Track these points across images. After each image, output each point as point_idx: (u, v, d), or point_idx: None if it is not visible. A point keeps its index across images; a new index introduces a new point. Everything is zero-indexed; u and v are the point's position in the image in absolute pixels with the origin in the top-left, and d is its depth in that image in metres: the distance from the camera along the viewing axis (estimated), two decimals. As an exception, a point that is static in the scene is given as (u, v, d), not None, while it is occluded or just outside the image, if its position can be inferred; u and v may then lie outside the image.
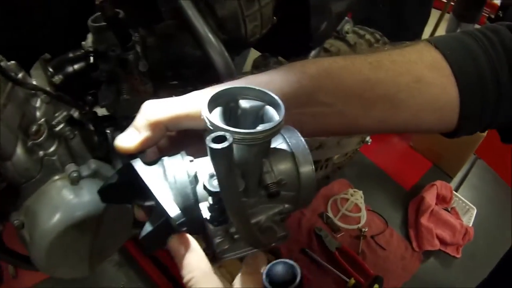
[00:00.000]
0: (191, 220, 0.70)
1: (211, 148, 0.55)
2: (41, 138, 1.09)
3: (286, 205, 0.74)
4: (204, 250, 0.73)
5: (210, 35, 1.15)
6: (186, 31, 1.21)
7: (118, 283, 2.03)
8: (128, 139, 0.76)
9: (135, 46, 1.17)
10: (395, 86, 0.84)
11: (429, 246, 2.66)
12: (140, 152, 0.78)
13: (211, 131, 0.61)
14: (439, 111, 0.90)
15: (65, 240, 1.11)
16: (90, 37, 1.18)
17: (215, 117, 0.66)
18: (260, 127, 0.63)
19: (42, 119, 1.11)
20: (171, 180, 0.71)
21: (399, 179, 3.06)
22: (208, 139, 0.56)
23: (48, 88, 1.12)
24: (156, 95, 1.27)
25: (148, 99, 1.19)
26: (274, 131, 0.64)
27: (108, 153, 1.20)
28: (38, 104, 1.12)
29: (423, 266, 2.63)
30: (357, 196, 2.70)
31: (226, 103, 0.70)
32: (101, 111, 1.25)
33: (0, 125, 1.02)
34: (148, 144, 0.77)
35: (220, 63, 1.17)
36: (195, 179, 0.71)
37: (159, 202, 0.68)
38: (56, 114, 1.14)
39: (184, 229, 0.70)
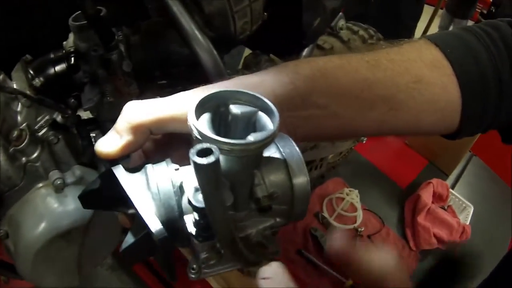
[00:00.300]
0: (174, 233, 0.65)
1: (195, 163, 0.51)
2: (23, 144, 1.05)
3: (278, 219, 0.70)
4: (190, 262, 0.69)
5: (196, 33, 1.11)
6: (172, 28, 1.17)
7: (111, 286, 2.00)
8: (108, 144, 0.71)
9: (119, 46, 1.13)
10: (394, 86, 0.80)
11: (426, 245, 2.63)
12: (124, 157, 0.73)
13: (198, 140, 0.57)
14: (440, 112, 0.86)
15: (51, 250, 1.07)
16: (71, 37, 1.14)
17: (203, 124, 0.61)
18: (251, 137, 0.58)
19: (24, 124, 1.08)
20: (154, 190, 0.66)
21: (395, 177, 3.03)
22: (192, 152, 0.52)
23: (28, 91, 1.08)
24: (143, 96, 1.23)
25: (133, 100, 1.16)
26: (267, 142, 0.59)
27: (93, 158, 1.16)
28: (19, 108, 1.08)
29: (420, 265, 2.60)
30: (353, 196, 2.68)
31: (215, 107, 0.65)
32: (85, 114, 1.21)
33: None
34: (130, 149, 0.72)
35: (208, 61, 1.12)
36: (180, 190, 0.66)
37: (140, 215, 0.62)
38: (38, 119, 1.10)
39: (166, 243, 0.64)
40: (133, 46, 1.17)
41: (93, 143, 1.18)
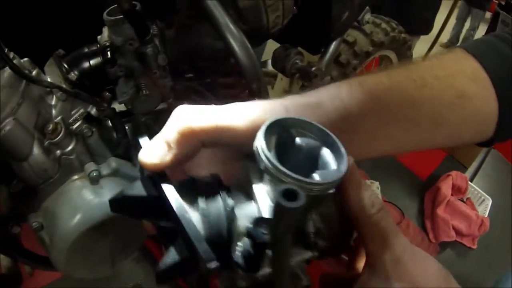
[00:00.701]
0: (219, 258, 0.58)
1: (280, 205, 0.48)
2: (58, 137, 1.06)
3: (316, 253, 0.66)
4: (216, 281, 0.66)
5: (231, 26, 1.11)
6: (206, 22, 1.17)
7: (136, 278, 2.02)
8: (156, 155, 0.65)
9: (154, 39, 1.14)
10: (439, 103, 0.80)
11: (445, 237, 2.64)
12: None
13: (268, 172, 0.56)
14: (480, 124, 0.87)
15: (86, 241, 1.08)
16: (105, 31, 1.14)
17: (272, 155, 0.58)
18: (317, 175, 0.58)
19: (59, 117, 1.08)
20: (204, 211, 0.61)
21: (415, 169, 3.04)
22: (278, 192, 0.49)
23: (63, 85, 1.09)
24: (173, 89, 1.23)
25: (167, 94, 1.16)
26: (337, 183, 0.57)
27: (128, 150, 1.17)
28: (53, 102, 1.09)
29: (439, 257, 2.61)
30: (374, 187, 2.68)
31: (279, 133, 0.62)
32: (118, 107, 1.22)
33: (15, 125, 0.99)
34: (180, 162, 0.66)
35: (242, 54, 1.12)
36: (231, 214, 0.61)
37: (191, 241, 0.57)
38: (73, 112, 1.11)
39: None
40: (168, 40, 1.18)
41: (128, 135, 1.19)
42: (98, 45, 1.14)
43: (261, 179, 0.64)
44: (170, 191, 0.61)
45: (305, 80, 1.70)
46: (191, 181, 0.65)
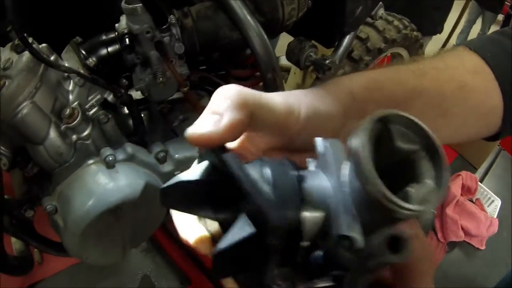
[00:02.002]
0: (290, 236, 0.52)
1: (383, 258, 0.44)
2: (75, 122, 1.08)
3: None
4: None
5: (248, 17, 1.11)
6: (223, 12, 1.18)
7: (145, 269, 2.02)
8: (208, 125, 0.57)
9: (171, 28, 1.15)
10: (441, 95, 0.80)
11: (454, 237, 2.63)
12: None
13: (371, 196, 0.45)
14: (484, 117, 0.87)
15: (100, 225, 1.09)
16: (123, 19, 1.15)
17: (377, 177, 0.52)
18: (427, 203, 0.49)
19: (75, 103, 1.10)
20: (272, 183, 0.54)
21: (425, 168, 3.03)
22: (382, 239, 0.45)
23: (81, 69, 1.10)
24: (189, 78, 1.24)
25: (183, 83, 1.17)
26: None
27: (144, 136, 1.18)
28: (71, 87, 1.10)
29: (447, 257, 2.61)
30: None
31: (376, 129, 0.53)
32: (134, 96, 1.23)
33: (33, 108, 1.00)
34: (238, 129, 0.58)
35: (258, 44, 1.13)
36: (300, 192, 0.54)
37: (255, 203, 0.50)
38: (90, 98, 1.13)
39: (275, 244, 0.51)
40: (185, 29, 1.18)
41: (144, 122, 1.20)
42: (116, 33, 1.15)
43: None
44: (233, 160, 0.54)
45: (318, 72, 1.70)
46: (259, 160, 0.57)
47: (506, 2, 6.71)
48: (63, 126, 1.08)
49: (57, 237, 1.19)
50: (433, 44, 3.36)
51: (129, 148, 1.14)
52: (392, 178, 0.49)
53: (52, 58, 1.07)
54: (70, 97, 1.10)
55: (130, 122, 1.20)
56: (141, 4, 1.09)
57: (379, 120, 0.51)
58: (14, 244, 1.24)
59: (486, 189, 2.93)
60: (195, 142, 0.56)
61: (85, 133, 1.11)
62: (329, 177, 0.55)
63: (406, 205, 0.45)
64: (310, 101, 0.67)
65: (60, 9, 1.19)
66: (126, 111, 1.21)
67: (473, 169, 3.18)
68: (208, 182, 0.56)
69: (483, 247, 2.73)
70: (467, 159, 3.25)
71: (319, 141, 0.58)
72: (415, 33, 2.42)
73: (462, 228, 2.66)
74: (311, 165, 0.59)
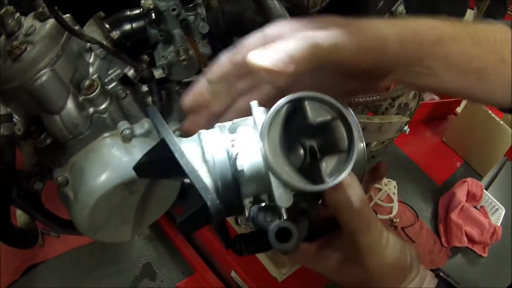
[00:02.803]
0: (229, 205, 0.66)
1: (272, 243, 0.60)
2: (94, 94, 1.07)
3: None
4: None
5: (275, 1, 1.11)
6: (248, -4, 1.17)
7: (147, 256, 2.02)
8: (278, 60, 0.64)
9: (197, 8, 1.14)
10: (486, 62, 0.85)
11: (457, 242, 2.63)
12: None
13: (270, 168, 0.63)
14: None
15: (113, 199, 1.09)
16: (149, -4, 1.15)
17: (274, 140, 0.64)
18: (337, 174, 0.62)
19: (95, 75, 1.09)
20: (210, 163, 0.66)
21: (431, 173, 3.03)
22: (271, 230, 0.59)
23: (104, 42, 1.10)
24: (211, 59, 1.24)
25: (205, 63, 1.17)
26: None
27: (162, 114, 1.18)
28: (91, 59, 1.10)
29: (449, 262, 2.60)
30: (391, 186, 2.68)
31: (291, 107, 0.65)
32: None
33: (52, 76, 1.00)
34: (293, 79, 0.66)
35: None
36: (235, 162, 0.65)
37: (196, 188, 0.63)
38: (110, 72, 1.12)
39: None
40: (212, 9, 1.18)
41: (163, 99, 1.20)
42: (141, 9, 1.14)
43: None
44: (174, 144, 0.67)
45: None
46: (198, 134, 0.72)
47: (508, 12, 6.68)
48: (81, 97, 1.07)
49: (62, 212, 1.19)
50: None
51: (147, 123, 1.14)
52: (319, 148, 0.65)
53: (76, 28, 1.07)
54: (90, 69, 1.10)
55: (148, 100, 1.20)
56: (168, -19, 1.09)
57: (291, 101, 0.63)
58: (19, 217, 1.23)
59: (491, 197, 2.94)
60: (257, 67, 0.63)
61: (103, 106, 1.10)
62: (261, 143, 0.63)
63: (316, 187, 0.62)
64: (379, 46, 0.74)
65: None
66: (144, 89, 1.20)
67: (479, 177, 3.17)
68: (166, 158, 0.67)
69: (485, 254, 2.72)
70: (473, 167, 3.24)
71: (253, 105, 0.70)
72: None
73: (466, 234, 2.66)
74: (250, 123, 0.71)
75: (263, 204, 0.66)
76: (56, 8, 0.99)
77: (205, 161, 0.67)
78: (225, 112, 0.83)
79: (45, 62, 0.99)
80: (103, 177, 1.05)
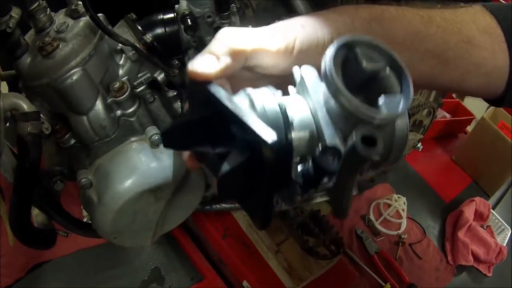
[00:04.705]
0: (282, 160, 0.60)
1: (357, 152, 0.52)
2: (123, 96, 1.06)
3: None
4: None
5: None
6: (283, 7, 1.18)
7: (157, 261, 2.00)
8: (206, 65, 0.69)
9: (231, 16, 1.14)
10: (445, 43, 0.83)
11: (463, 261, 2.62)
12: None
13: (338, 99, 0.58)
14: (486, 76, 0.89)
15: (138, 205, 1.08)
16: (183, 2, 1.14)
17: (341, 81, 0.59)
18: (382, 101, 0.59)
19: (125, 78, 1.08)
20: (260, 111, 0.63)
21: (440, 191, 3.03)
22: (357, 135, 0.53)
23: (137, 44, 1.09)
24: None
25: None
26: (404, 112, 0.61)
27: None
28: (122, 61, 1.09)
29: (455, 280, 2.60)
30: (400, 202, 2.68)
31: (344, 53, 0.63)
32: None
33: (84, 75, 0.99)
34: (227, 73, 0.71)
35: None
36: (286, 115, 0.64)
37: (248, 128, 0.57)
38: (140, 75, 1.12)
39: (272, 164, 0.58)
40: (246, 19, 1.18)
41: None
42: (175, 14, 1.14)
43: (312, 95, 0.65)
44: (221, 92, 0.63)
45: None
46: (244, 91, 0.69)
47: None
48: (110, 99, 1.06)
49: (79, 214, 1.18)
50: None
51: (176, 129, 1.12)
52: (365, 96, 0.60)
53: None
54: (120, 71, 1.09)
55: (175, 105, 1.19)
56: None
57: (345, 45, 0.61)
58: (36, 217, 1.21)
59: (498, 217, 2.95)
60: (192, 77, 0.68)
61: (131, 109, 1.09)
62: (308, 100, 0.65)
63: (377, 113, 0.56)
64: (307, 33, 0.76)
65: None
66: (171, 94, 1.19)
67: (486, 197, 3.17)
68: (202, 120, 0.65)
69: (490, 274, 2.73)
70: (481, 186, 3.24)
71: (295, 70, 0.70)
72: (439, 5, 2.41)
73: (472, 253, 2.66)
74: (292, 92, 0.70)
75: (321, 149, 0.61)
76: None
77: (254, 110, 0.64)
78: None
79: (77, 61, 0.98)
80: (129, 182, 1.04)
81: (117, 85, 1.05)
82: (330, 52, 0.61)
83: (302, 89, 0.68)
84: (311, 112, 0.64)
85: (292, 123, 0.63)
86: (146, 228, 1.17)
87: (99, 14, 1.05)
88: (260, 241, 1.75)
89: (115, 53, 1.08)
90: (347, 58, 0.63)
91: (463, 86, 0.89)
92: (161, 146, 1.08)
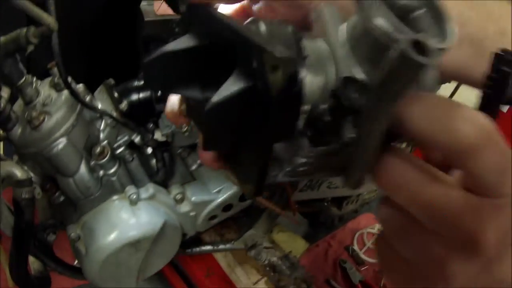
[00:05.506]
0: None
1: (407, 57, 0.38)
2: (104, 160, 1.18)
3: None
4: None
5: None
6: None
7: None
8: None
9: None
10: (483, 31, 0.75)
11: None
12: None
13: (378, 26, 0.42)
14: None
15: (120, 256, 1.20)
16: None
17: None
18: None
19: (105, 141, 1.20)
20: (268, 35, 0.46)
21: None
22: (406, 40, 0.39)
23: (114, 113, 1.21)
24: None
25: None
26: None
27: (166, 178, 1.28)
28: (102, 126, 1.21)
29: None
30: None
31: None
32: (156, 136, 1.33)
33: (68, 144, 1.10)
34: None
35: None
36: (299, 40, 0.47)
37: (252, 44, 0.42)
38: (118, 138, 1.23)
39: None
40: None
41: (166, 164, 1.30)
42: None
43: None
44: (223, 15, 0.50)
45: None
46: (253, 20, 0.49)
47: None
48: (93, 162, 1.18)
49: (71, 259, 1.30)
50: (443, 90, 3.35)
51: (151, 188, 1.24)
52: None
53: (87, 98, 1.18)
54: (101, 135, 1.21)
55: (153, 162, 1.30)
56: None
57: None
58: (33, 264, 1.33)
59: None
60: None
61: (112, 170, 1.21)
62: (327, 38, 0.50)
63: (429, 40, 0.41)
64: None
65: (100, 52, 1.29)
66: (149, 151, 1.30)
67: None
68: (195, 50, 0.51)
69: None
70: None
71: (315, 10, 0.53)
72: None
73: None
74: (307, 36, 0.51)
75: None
76: (70, 78, 1.10)
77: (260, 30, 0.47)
78: None
79: (61, 132, 1.10)
80: (112, 236, 1.16)
81: (98, 149, 1.17)
82: None
83: (321, 28, 0.51)
84: (329, 49, 0.49)
85: (305, 58, 0.47)
86: (129, 275, 1.27)
87: (79, 85, 1.17)
88: (239, 280, 1.81)
89: (96, 119, 1.20)
90: None
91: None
92: (139, 203, 1.20)
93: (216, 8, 0.54)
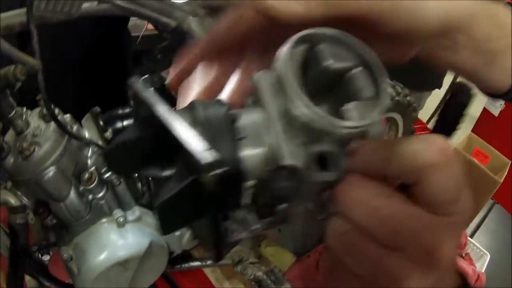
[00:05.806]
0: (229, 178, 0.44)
1: (310, 175, 0.42)
2: (92, 185, 1.25)
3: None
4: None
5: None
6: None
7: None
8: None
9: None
10: (498, 45, 0.76)
11: (441, 290, 2.70)
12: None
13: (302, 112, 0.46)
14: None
15: (109, 275, 1.27)
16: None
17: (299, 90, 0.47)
18: (353, 108, 0.47)
19: (93, 168, 1.28)
20: (202, 125, 0.49)
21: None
22: (310, 156, 0.43)
23: (100, 141, 1.29)
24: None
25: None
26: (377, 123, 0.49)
27: (151, 201, 1.35)
28: (89, 154, 1.28)
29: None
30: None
31: (306, 49, 0.52)
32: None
33: (57, 172, 1.17)
34: (318, 12, 0.54)
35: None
36: (234, 129, 0.50)
37: (183, 146, 0.44)
38: (105, 163, 1.29)
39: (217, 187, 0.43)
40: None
41: (151, 188, 1.37)
42: (130, 108, 1.34)
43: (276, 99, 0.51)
44: (153, 95, 0.51)
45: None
46: (192, 104, 0.52)
47: None
48: (82, 188, 1.25)
49: (64, 277, 1.37)
50: (433, 97, 3.36)
51: (137, 211, 1.32)
52: (335, 100, 0.51)
53: (75, 128, 1.26)
54: (89, 162, 1.28)
55: (139, 185, 1.38)
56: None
57: (305, 40, 0.51)
58: (29, 282, 1.40)
59: (476, 244, 3.02)
60: (280, 17, 0.54)
61: (100, 194, 1.28)
62: (264, 110, 0.51)
63: (339, 123, 0.45)
64: None
65: (88, 81, 1.35)
66: (135, 175, 1.38)
67: (464, 224, 3.24)
68: (146, 137, 0.52)
69: (468, 301, 2.79)
70: (460, 214, 3.31)
71: (254, 76, 0.53)
72: (408, 98, 2.48)
73: (450, 282, 2.73)
74: (249, 102, 0.55)
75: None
76: (57, 110, 1.18)
77: (196, 125, 0.49)
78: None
79: (51, 161, 1.16)
80: (101, 257, 1.24)
81: (86, 176, 1.24)
82: (285, 49, 0.50)
83: (259, 98, 0.53)
84: (268, 126, 0.50)
85: (244, 138, 0.50)
86: (120, 292, 1.35)
87: (66, 116, 1.24)
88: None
89: (84, 147, 1.27)
90: (309, 58, 0.52)
91: (492, 84, 0.80)
92: (127, 225, 1.28)
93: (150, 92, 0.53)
